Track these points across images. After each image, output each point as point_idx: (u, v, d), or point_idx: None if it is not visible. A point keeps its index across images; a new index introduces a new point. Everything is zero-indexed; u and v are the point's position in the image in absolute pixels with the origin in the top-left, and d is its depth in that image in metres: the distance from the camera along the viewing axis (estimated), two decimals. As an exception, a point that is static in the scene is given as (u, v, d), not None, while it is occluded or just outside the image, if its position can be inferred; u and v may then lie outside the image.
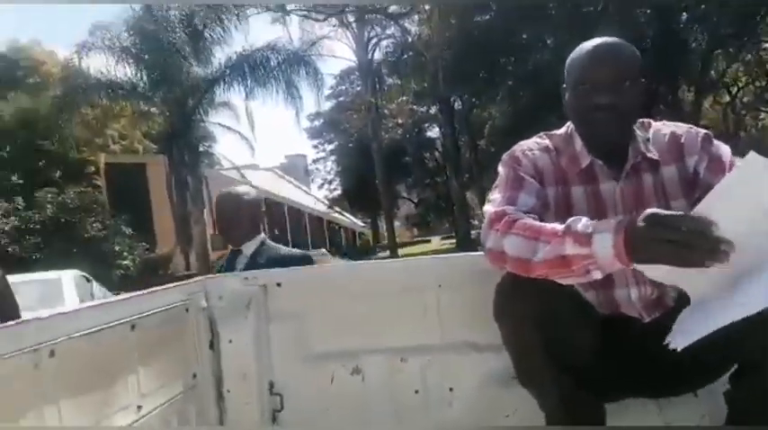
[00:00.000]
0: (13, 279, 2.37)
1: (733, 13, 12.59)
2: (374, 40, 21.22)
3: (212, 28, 15.71)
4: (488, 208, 1.29)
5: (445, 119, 19.84)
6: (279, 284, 1.71)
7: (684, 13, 14.44)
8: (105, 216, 16.18)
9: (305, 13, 17.31)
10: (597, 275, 1.09)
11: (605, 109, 1.30)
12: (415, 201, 32.08)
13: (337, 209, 33.13)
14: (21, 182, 16.86)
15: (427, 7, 17.33)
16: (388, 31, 20.58)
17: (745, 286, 0.99)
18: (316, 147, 35.31)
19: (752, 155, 0.96)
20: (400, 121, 26.52)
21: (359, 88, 24.07)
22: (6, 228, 14.26)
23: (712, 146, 1.38)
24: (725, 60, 15.45)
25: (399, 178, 28.18)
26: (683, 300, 1.34)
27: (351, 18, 19.07)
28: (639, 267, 1.10)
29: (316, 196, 36.26)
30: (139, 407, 1.28)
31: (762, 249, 0.97)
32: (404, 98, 23.56)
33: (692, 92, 15.12)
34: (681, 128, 1.44)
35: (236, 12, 15.67)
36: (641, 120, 1.46)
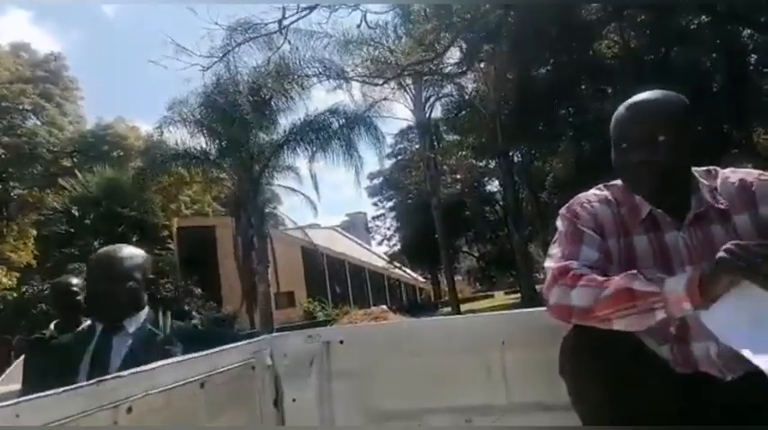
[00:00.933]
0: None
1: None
2: (431, 99, 21.74)
3: (278, 97, 16.66)
4: (549, 263, 1.28)
5: (504, 172, 19.76)
6: (341, 341, 1.73)
7: (753, 55, 14.00)
8: (177, 277, 16.91)
9: (364, 78, 18.06)
10: (661, 315, 1.07)
11: (641, 166, 1.31)
12: (476, 255, 31.63)
13: (397, 264, 33.10)
14: (102, 246, 17.97)
15: (482, 65, 17.68)
16: (445, 90, 21.05)
17: None
18: (375, 204, 35.91)
19: None
20: (459, 176, 26.61)
21: (417, 146, 24.50)
22: (88, 292, 15.14)
23: None
24: (801, 100, 14.70)
25: (460, 233, 27.97)
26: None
27: (408, 80, 19.70)
28: (704, 318, 1.06)
29: (376, 252, 36.48)
30: (207, 465, 1.30)
31: None
32: (462, 153, 23.72)
33: (767, 135, 14.42)
34: (751, 174, 1.38)
35: (301, 82, 16.57)
36: (708, 168, 1.43)
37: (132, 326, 1.75)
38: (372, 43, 16.73)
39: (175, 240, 21.64)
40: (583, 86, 15.45)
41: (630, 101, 1.37)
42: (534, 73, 15.48)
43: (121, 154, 26.12)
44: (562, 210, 1.43)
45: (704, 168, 1.43)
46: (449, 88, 20.69)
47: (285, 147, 16.90)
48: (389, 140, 26.11)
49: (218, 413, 1.37)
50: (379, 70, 17.16)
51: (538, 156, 19.40)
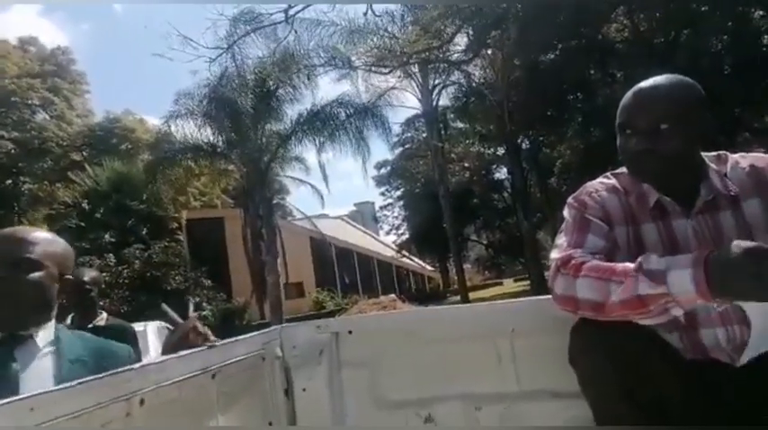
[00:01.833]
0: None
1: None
2: (438, 87, 21.62)
3: (284, 88, 16.64)
4: (554, 253, 1.27)
5: (513, 159, 19.67)
6: (350, 332, 1.74)
7: (766, 36, 13.76)
8: (186, 269, 17.06)
9: (370, 66, 17.99)
10: (678, 312, 1.05)
11: (643, 154, 1.29)
12: (485, 243, 31.61)
13: (406, 253, 33.15)
14: (113, 240, 18.19)
15: (490, 51, 17.54)
16: (452, 78, 20.92)
17: None
18: (383, 194, 35.90)
19: None
20: (467, 165, 26.53)
21: (425, 134, 24.41)
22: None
23: None
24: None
25: (468, 221, 27.93)
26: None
27: (415, 69, 19.59)
28: (748, 309, 1.05)
29: (384, 242, 36.54)
30: (219, 454, 1.32)
31: None
32: (470, 141, 23.62)
33: (779, 117, 14.23)
34: (762, 159, 1.37)
35: (306, 72, 16.53)
36: (718, 153, 1.41)
37: (42, 335, 1.29)
38: (379, 31, 16.64)
39: (185, 232, 21.80)
40: (592, 71, 15.29)
41: (637, 87, 1.35)
42: (542, 58, 15.33)
43: (130, 147, 26.28)
44: (570, 200, 1.42)
45: (714, 153, 1.41)
46: (456, 76, 20.57)
47: (292, 137, 16.91)
48: (396, 129, 26.07)
49: (230, 403, 1.38)
50: (386, 58, 17.08)
51: (546, 143, 19.28)
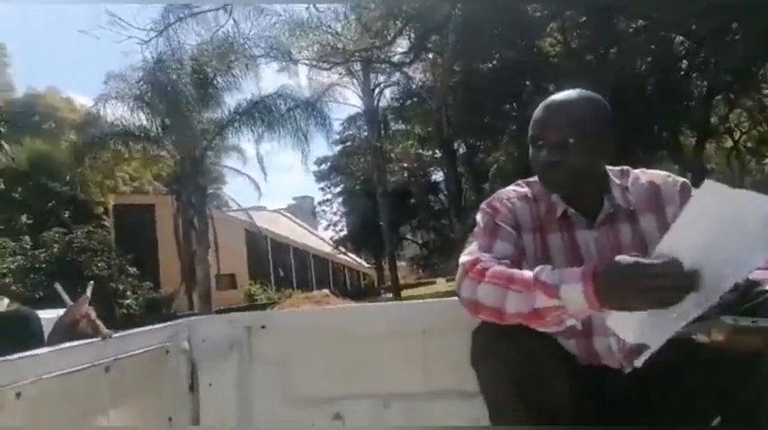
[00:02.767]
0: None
1: (732, 61, 12.84)
2: (380, 87, 21.71)
3: (222, 75, 16.17)
4: (463, 256, 1.28)
5: (449, 162, 20.04)
6: (263, 327, 1.71)
7: (685, 61, 14.70)
8: (111, 255, 16.28)
9: (312, 61, 17.81)
10: (572, 322, 1.10)
11: (552, 166, 1.33)
12: (420, 242, 32.06)
13: (342, 250, 33.11)
14: (30, 222, 17.08)
15: (431, 55, 17.76)
16: (393, 78, 21.05)
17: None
18: (323, 189, 35.60)
19: (707, 182, 1.01)
20: (406, 165, 26.79)
21: (365, 133, 24.44)
22: (12, 267, 14.41)
23: (690, 195, 1.39)
24: (726, 106, 15.62)
25: (404, 220, 28.23)
26: (664, 349, 1.33)
27: (357, 66, 19.55)
28: (609, 322, 1.11)
29: (321, 237, 36.31)
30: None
31: (716, 270, 0.98)
32: (409, 142, 23.85)
33: (694, 137, 15.23)
34: (659, 176, 1.44)
35: (246, 61, 16.14)
36: (621, 168, 1.46)
37: None
38: (322, 26, 16.47)
39: (111, 217, 20.78)
40: (527, 82, 15.78)
41: (547, 101, 1.39)
42: (480, 66, 15.68)
43: (54, 126, 24.72)
44: (483, 205, 1.45)
45: (618, 168, 1.47)
46: (397, 77, 20.71)
47: (230, 126, 16.47)
48: (338, 126, 25.93)
49: (126, 399, 1.33)
50: (328, 55, 16.95)
51: (482, 149, 19.75)
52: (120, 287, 15.94)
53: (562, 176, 1.34)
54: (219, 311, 13.67)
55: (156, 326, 1.52)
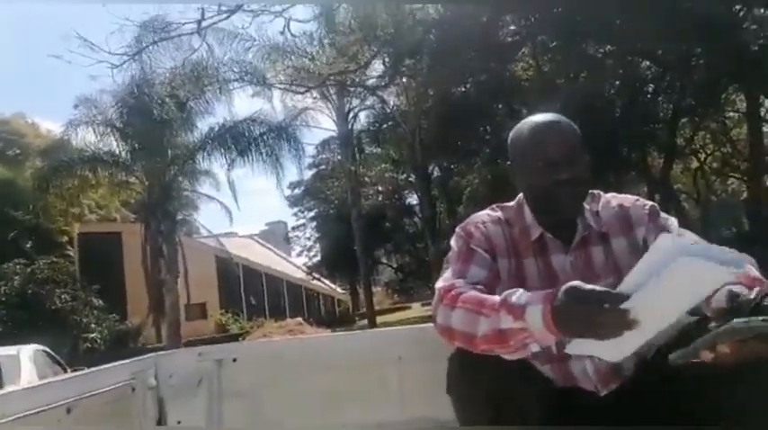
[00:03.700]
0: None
1: (696, 85, 13.36)
2: (354, 111, 21.83)
3: (194, 100, 16.09)
4: (439, 282, 1.28)
5: (423, 186, 20.17)
6: (234, 360, 1.66)
7: (651, 85, 15.20)
8: (75, 287, 15.80)
9: (286, 86, 17.85)
10: (535, 348, 1.08)
11: (566, 184, 1.30)
12: (395, 266, 31.94)
13: (316, 276, 32.76)
14: (-11, 253, 16.50)
15: (404, 79, 18.00)
16: (367, 102, 21.22)
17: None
18: (296, 214, 35.37)
19: (662, 237, 1.07)
20: (380, 188, 26.85)
21: (339, 157, 24.48)
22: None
23: (659, 218, 1.41)
24: (690, 128, 16.16)
25: (379, 244, 28.14)
26: (639, 371, 1.34)
27: (331, 90, 19.66)
28: (569, 348, 1.10)
29: (295, 263, 35.93)
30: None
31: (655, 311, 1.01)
32: (383, 166, 23.97)
33: (661, 158, 15.67)
34: (628, 200, 1.46)
35: (219, 86, 16.10)
36: (592, 192, 1.48)
37: None
38: (296, 50, 16.57)
39: (76, 247, 20.24)
40: (500, 106, 16.10)
41: (537, 122, 1.38)
42: (454, 90, 15.95)
43: (18, 152, 24.12)
44: (457, 229, 1.45)
45: (589, 192, 1.49)
46: (371, 101, 20.90)
47: (202, 151, 16.31)
48: (311, 150, 25.94)
49: (88, 440, 1.26)
50: (303, 78, 17.03)
51: (456, 172, 19.95)
52: (84, 320, 15.45)
53: (574, 194, 1.35)
54: (189, 343, 13.33)
55: (121, 362, 1.46)
